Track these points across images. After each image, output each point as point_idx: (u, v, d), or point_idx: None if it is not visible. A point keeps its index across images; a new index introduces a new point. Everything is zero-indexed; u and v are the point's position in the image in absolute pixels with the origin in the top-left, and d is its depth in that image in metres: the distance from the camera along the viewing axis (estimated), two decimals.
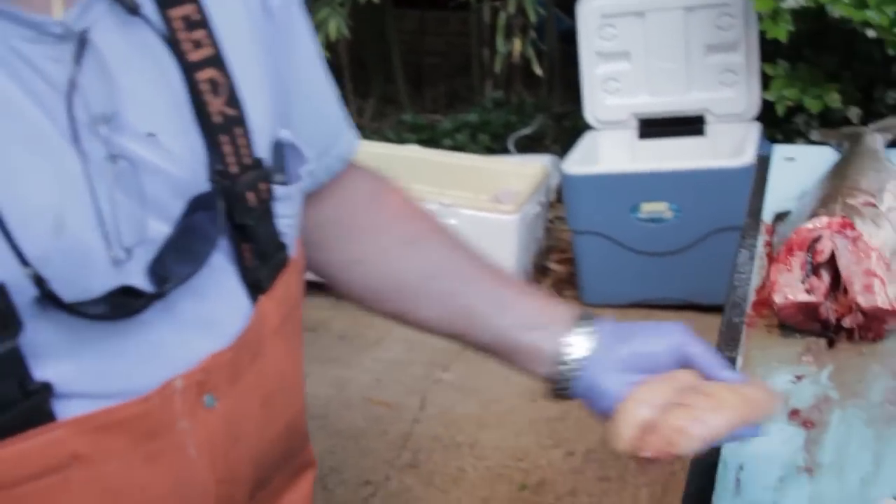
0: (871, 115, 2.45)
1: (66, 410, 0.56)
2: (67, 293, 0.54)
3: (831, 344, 1.06)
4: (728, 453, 0.90)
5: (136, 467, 0.59)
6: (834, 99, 2.47)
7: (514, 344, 0.76)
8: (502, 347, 0.77)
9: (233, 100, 0.62)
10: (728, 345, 1.09)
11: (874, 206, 1.09)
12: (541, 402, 2.57)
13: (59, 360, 0.56)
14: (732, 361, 1.05)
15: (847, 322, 1.05)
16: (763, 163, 1.55)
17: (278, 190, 0.66)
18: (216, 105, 0.61)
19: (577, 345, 0.74)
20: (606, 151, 3.05)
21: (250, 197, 0.63)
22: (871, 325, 1.04)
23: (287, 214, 0.67)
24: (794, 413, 0.95)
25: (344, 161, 0.82)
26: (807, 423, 0.93)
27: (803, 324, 1.06)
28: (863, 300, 1.02)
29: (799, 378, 1.01)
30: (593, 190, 2.81)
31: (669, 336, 0.75)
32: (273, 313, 0.66)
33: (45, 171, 0.54)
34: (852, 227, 1.03)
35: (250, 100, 0.64)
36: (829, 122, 2.46)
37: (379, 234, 0.81)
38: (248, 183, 0.63)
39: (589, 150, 3.00)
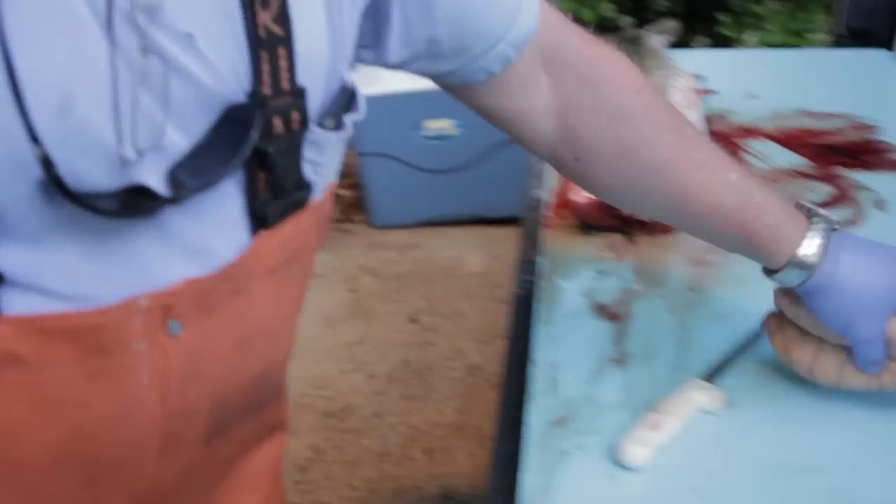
0: (644, 22, 2.55)
1: (13, 304, 0.51)
2: (70, 182, 0.49)
3: (631, 238, 1.09)
4: (538, 353, 0.90)
5: (78, 381, 0.55)
6: (607, 8, 2.55)
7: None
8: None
9: (282, 17, 0.56)
10: (530, 248, 1.10)
11: None
12: (338, 328, 2.56)
13: (25, 247, 0.51)
14: (534, 265, 1.06)
15: (635, 214, 1.07)
16: None
17: (315, 131, 0.60)
18: (262, 17, 0.55)
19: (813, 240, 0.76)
20: (387, 72, 3.00)
21: (277, 123, 0.58)
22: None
23: (316, 161, 0.61)
24: (600, 308, 0.97)
25: (518, 47, 0.74)
26: (614, 317, 0.96)
27: (602, 220, 1.09)
28: None
29: (602, 273, 1.03)
30: (376, 111, 2.76)
31: None
32: (272, 253, 0.60)
33: (64, 48, 0.48)
34: None
35: (303, 21, 0.58)
36: (605, 32, 2.53)
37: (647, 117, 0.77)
38: (278, 108, 0.57)
39: (369, 71, 2.95)
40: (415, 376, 2.39)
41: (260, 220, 0.59)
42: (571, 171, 0.81)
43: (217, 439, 0.67)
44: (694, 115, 1.20)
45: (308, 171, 0.61)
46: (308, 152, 0.60)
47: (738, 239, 0.78)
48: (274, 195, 0.59)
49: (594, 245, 1.08)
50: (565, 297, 0.99)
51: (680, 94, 1.16)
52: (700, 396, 0.82)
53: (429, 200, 2.90)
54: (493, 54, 0.73)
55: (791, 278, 0.77)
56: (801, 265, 0.76)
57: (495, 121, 0.79)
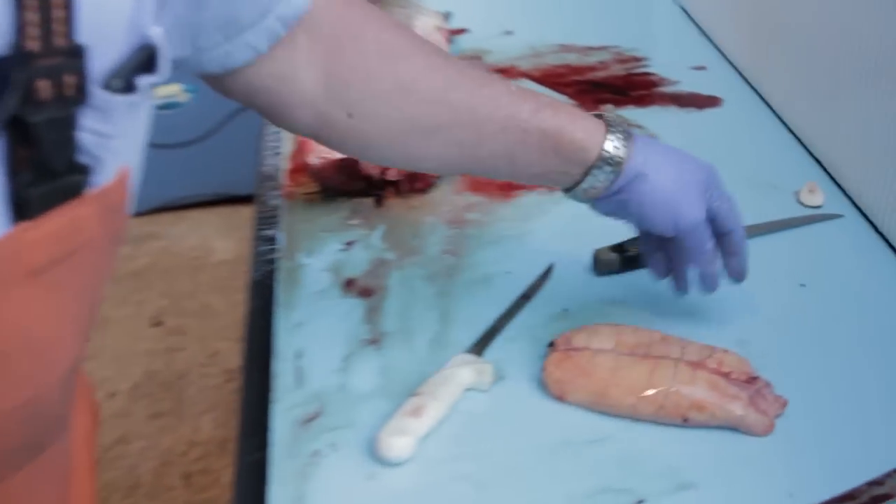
0: None
1: None
2: None
3: (379, 202, 1.09)
4: (280, 343, 0.89)
5: None
6: None
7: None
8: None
9: None
10: (267, 223, 1.07)
11: None
12: None
13: None
14: (274, 241, 1.03)
15: (391, 175, 1.07)
16: None
17: (99, 96, 0.55)
18: None
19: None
20: None
21: (43, 87, 0.51)
22: (417, 176, 1.08)
23: (102, 132, 0.56)
24: (349, 283, 0.97)
25: (288, 24, 0.74)
26: (365, 292, 0.95)
27: (346, 184, 1.08)
28: None
29: (349, 245, 1.02)
30: None
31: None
32: (35, 250, 0.53)
33: None
34: None
35: None
36: None
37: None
38: (47, 69, 0.51)
39: None
40: (163, 389, 2.33)
41: (19, 207, 0.53)
42: (345, 133, 0.80)
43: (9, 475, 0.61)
44: None
45: (92, 144, 0.56)
46: (90, 121, 0.55)
47: (540, 149, 0.81)
48: (37, 178, 0.53)
49: (338, 213, 1.08)
50: (308, 276, 0.98)
51: (422, 34, 1.16)
52: (466, 373, 0.83)
53: (162, 181, 2.80)
54: (261, 28, 0.73)
55: (600, 178, 0.81)
56: (611, 161, 0.81)
57: (251, 96, 0.78)
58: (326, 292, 0.95)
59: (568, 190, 0.85)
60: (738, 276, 0.88)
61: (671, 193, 0.82)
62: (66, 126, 0.54)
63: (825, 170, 1.17)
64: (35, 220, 0.53)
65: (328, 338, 0.89)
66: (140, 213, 2.88)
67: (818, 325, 0.92)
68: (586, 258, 0.99)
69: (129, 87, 0.57)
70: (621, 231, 0.92)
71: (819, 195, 1.11)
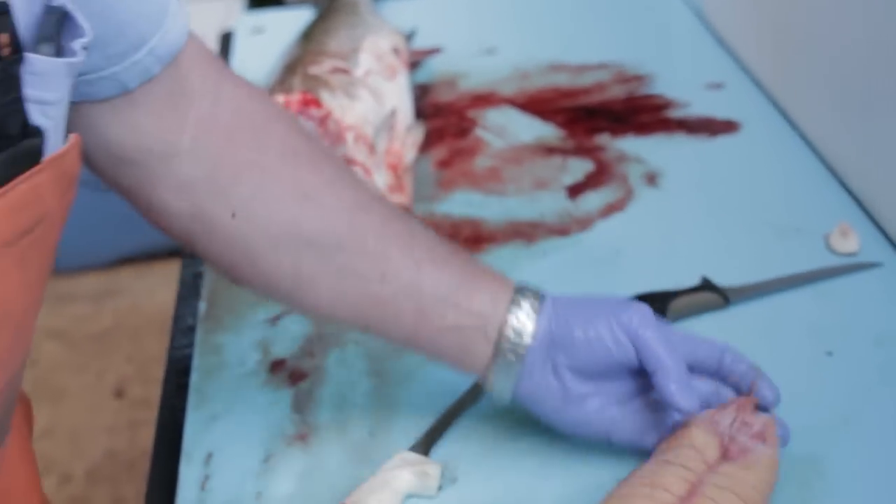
0: None
1: None
2: None
3: None
4: (190, 441, 0.85)
5: None
6: None
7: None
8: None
9: None
10: (190, 292, 1.03)
11: (346, 71, 1.07)
12: None
13: None
14: (196, 309, 0.99)
15: None
16: (226, 41, 1.52)
17: (34, 60, 0.60)
18: None
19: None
20: None
21: None
22: None
23: (44, 100, 0.61)
24: (277, 365, 0.93)
25: (162, 61, 0.73)
26: (295, 376, 0.91)
27: None
28: None
29: (281, 316, 0.97)
30: None
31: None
32: (4, 222, 0.60)
33: None
34: (317, 103, 1.01)
35: None
36: None
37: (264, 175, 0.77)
38: None
39: None
40: (126, 471, 2.29)
41: None
42: (224, 236, 0.78)
43: None
44: (394, 90, 1.16)
45: (35, 113, 0.61)
46: (31, 89, 0.60)
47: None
48: None
49: None
50: (230, 356, 0.94)
51: (373, 59, 1.12)
52: (407, 476, 0.79)
53: (122, 230, 2.76)
54: (132, 62, 0.72)
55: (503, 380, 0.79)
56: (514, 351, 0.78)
57: (118, 175, 0.77)
58: (249, 377, 0.91)
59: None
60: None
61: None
62: (12, 87, 0.59)
63: (863, 208, 1.11)
64: None
65: (247, 434, 0.86)
66: (100, 267, 2.85)
67: (851, 399, 0.86)
68: None
69: (60, 51, 0.63)
70: (607, 290, 0.88)
71: (854, 239, 1.05)
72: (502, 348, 0.76)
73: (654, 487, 0.73)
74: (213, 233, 0.77)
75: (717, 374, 0.78)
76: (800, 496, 0.77)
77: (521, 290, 0.78)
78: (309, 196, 0.77)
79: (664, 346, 0.76)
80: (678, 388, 0.75)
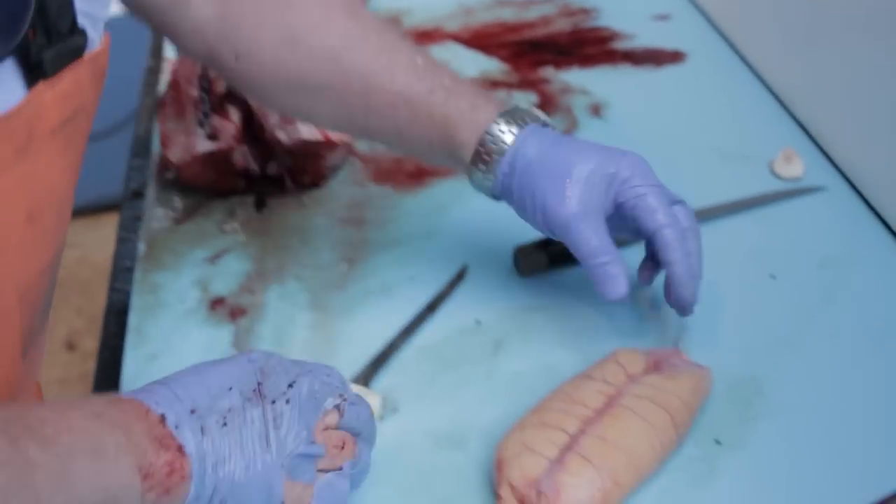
0: None
1: None
2: None
3: (261, 202, 1.04)
4: (128, 382, 0.83)
5: None
6: None
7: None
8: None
9: None
10: (130, 234, 1.02)
11: None
12: None
13: None
14: (135, 251, 0.97)
15: (273, 170, 1.02)
16: None
17: None
18: None
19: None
20: None
21: None
22: (306, 167, 1.02)
23: (88, 12, 0.67)
24: (216, 303, 0.91)
25: None
26: (235, 313, 0.89)
27: (218, 183, 1.02)
28: (285, 136, 0.99)
29: (221, 254, 0.96)
30: None
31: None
32: (53, 109, 0.65)
33: None
34: None
35: None
36: None
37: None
38: None
39: None
40: None
41: (35, 69, 0.63)
42: (232, 75, 0.86)
43: (32, 351, 0.71)
44: None
45: (80, 15, 0.66)
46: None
47: (427, 136, 0.83)
48: (48, 40, 0.64)
49: (211, 218, 1.02)
50: (169, 296, 0.92)
51: None
52: None
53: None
54: None
55: (480, 176, 0.81)
56: (486, 158, 0.81)
57: (143, 10, 0.83)
58: (189, 315, 0.90)
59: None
60: (678, 307, 0.80)
61: (547, 185, 0.79)
62: None
63: (808, 134, 1.11)
64: (49, 80, 0.64)
65: None
66: None
67: (793, 321, 0.87)
68: (507, 257, 0.93)
69: None
70: None
71: (798, 164, 1.05)
72: (479, 151, 0.80)
73: (573, 402, 0.73)
74: (223, 70, 0.85)
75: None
76: (741, 415, 0.78)
77: (505, 117, 0.81)
78: (295, 40, 0.82)
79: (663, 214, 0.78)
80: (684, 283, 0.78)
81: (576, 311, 0.88)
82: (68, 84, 0.66)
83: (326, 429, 0.66)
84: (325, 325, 0.88)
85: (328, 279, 0.93)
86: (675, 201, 0.79)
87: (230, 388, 0.64)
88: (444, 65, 0.84)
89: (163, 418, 0.60)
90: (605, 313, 0.88)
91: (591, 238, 0.77)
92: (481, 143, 0.80)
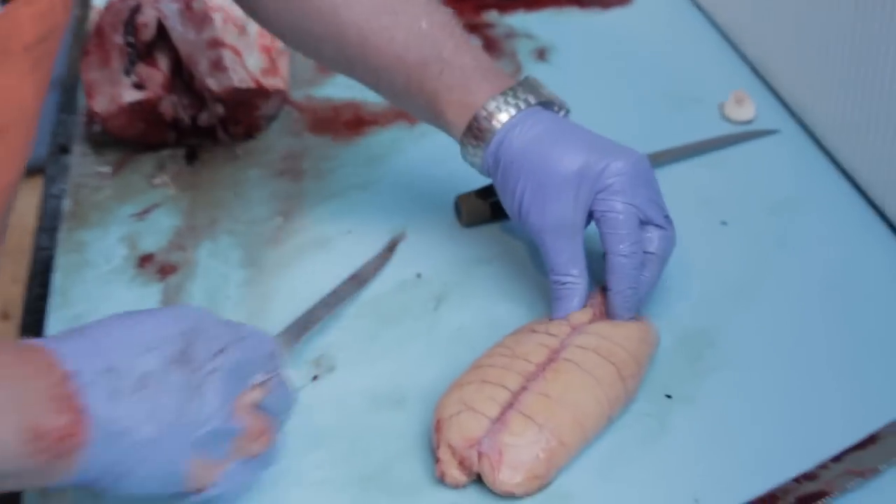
0: None
1: None
2: None
3: (193, 155, 1.00)
4: None
5: None
6: None
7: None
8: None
9: None
10: (54, 188, 0.98)
11: None
12: None
13: None
14: (60, 209, 0.94)
15: (205, 120, 0.99)
16: None
17: None
18: None
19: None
20: None
21: None
22: (238, 116, 0.98)
23: None
24: (145, 260, 0.88)
25: None
26: (164, 270, 0.87)
27: (146, 135, 0.99)
28: (215, 84, 0.95)
29: (150, 210, 0.93)
30: None
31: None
32: (28, 26, 0.65)
33: None
34: None
35: None
36: None
37: None
38: None
39: None
40: None
41: None
42: (244, 4, 0.86)
43: None
44: None
45: None
46: None
47: (419, 101, 0.81)
48: None
49: (139, 172, 0.98)
50: (95, 253, 0.89)
51: None
52: None
53: None
54: None
55: (470, 152, 0.79)
56: (479, 131, 0.78)
57: None
58: (116, 274, 0.87)
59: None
60: (615, 312, 0.75)
61: (526, 186, 0.76)
62: None
63: (759, 76, 1.09)
64: None
65: None
66: None
67: (745, 268, 0.85)
68: (449, 208, 0.91)
69: None
70: None
71: (749, 107, 1.02)
72: (467, 135, 0.78)
73: (514, 357, 0.70)
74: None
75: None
76: (691, 368, 0.76)
77: (504, 95, 0.78)
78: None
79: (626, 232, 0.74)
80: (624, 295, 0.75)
81: (521, 263, 0.86)
82: (44, 4, 0.66)
83: (247, 405, 0.62)
84: (260, 283, 0.85)
85: (262, 234, 0.90)
86: (654, 224, 0.75)
87: (155, 348, 0.60)
88: (453, 29, 0.82)
89: (69, 375, 0.56)
90: None
91: (560, 253, 0.75)
92: (469, 128, 0.78)
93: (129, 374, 0.58)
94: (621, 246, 0.73)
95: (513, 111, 0.77)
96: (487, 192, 0.88)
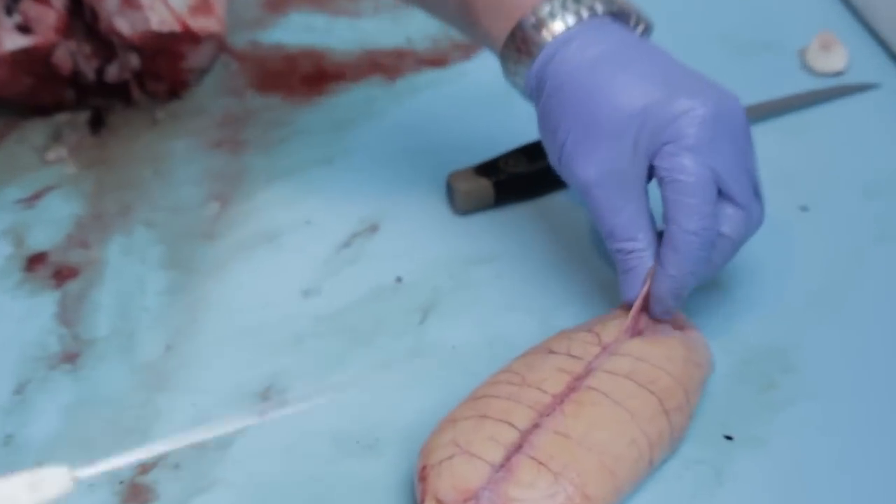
0: None
1: None
2: None
3: (98, 120, 1.03)
4: None
5: None
6: None
7: None
8: None
9: None
10: None
11: None
12: None
13: None
14: None
15: (114, 76, 1.01)
16: None
17: None
18: None
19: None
20: None
21: None
22: (160, 70, 1.01)
23: None
24: (34, 261, 0.91)
25: None
26: (61, 274, 0.90)
27: (38, 92, 1.01)
28: (127, 26, 0.97)
29: (39, 196, 0.96)
30: None
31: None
32: None
33: None
34: None
35: None
36: None
37: None
38: None
39: None
40: None
41: None
42: None
43: None
44: None
45: None
46: None
47: (450, 9, 0.84)
48: None
49: (28, 143, 1.01)
50: None
51: None
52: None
53: None
54: None
55: (510, 69, 0.81)
56: (523, 43, 0.79)
57: None
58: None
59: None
60: (658, 305, 0.77)
61: (571, 126, 0.77)
62: None
63: (852, 12, 1.11)
64: None
65: None
66: None
67: (832, 269, 0.88)
68: (439, 190, 0.93)
69: None
70: (500, 140, 0.90)
71: (840, 54, 1.05)
72: (508, 46, 0.79)
73: (525, 386, 0.72)
74: None
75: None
76: (759, 400, 0.79)
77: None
78: None
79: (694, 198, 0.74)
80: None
81: (533, 264, 0.88)
82: None
83: None
84: (187, 289, 0.88)
85: (192, 225, 0.93)
86: (736, 198, 0.75)
87: None
88: None
89: None
90: (574, 265, 0.88)
91: (617, 212, 0.76)
92: (512, 37, 0.79)
93: None
94: (689, 220, 0.73)
95: (571, 20, 0.78)
96: (490, 168, 0.91)
